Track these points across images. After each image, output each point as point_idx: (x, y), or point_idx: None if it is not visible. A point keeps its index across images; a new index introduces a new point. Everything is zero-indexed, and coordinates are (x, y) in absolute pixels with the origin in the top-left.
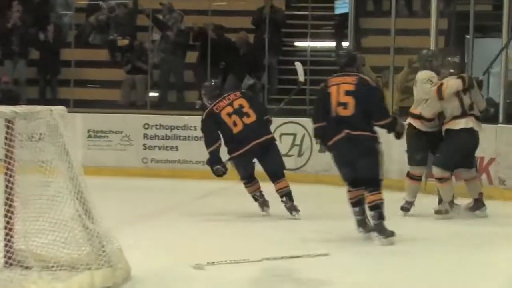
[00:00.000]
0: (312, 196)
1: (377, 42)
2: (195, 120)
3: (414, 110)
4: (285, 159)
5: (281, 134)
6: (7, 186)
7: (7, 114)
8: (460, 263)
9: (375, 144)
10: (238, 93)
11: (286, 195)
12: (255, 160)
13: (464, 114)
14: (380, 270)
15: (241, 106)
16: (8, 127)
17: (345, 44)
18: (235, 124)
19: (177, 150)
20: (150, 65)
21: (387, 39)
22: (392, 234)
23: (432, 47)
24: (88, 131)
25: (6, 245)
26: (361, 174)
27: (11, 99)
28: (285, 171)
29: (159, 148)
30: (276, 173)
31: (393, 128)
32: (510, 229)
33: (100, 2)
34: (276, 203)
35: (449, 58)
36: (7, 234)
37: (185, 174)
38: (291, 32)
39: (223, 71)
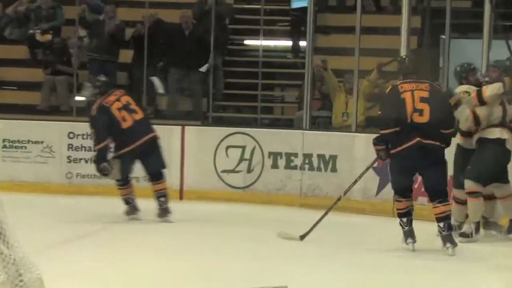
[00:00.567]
0: (262, 218)
1: (340, 42)
2: None
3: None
4: (232, 175)
5: (228, 147)
6: None
7: None
8: None
9: (444, 154)
10: (122, 90)
11: (164, 196)
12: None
13: (502, 124)
14: None
15: (128, 103)
16: None
17: (302, 43)
18: (124, 119)
19: None
20: (76, 65)
21: (351, 39)
22: (457, 244)
23: (403, 48)
24: (3, 140)
25: None
26: (431, 184)
27: None
28: (231, 190)
29: (86, 161)
30: (157, 173)
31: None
32: None
33: None
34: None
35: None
36: None
37: (116, 192)
38: (240, 28)
39: (163, 70)
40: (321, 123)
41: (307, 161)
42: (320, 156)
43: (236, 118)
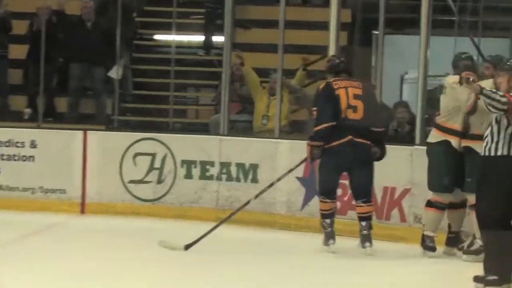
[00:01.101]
0: (173, 235)
1: (262, 37)
2: (24, 134)
3: (449, 124)
4: (141, 186)
5: (136, 154)
6: None
7: None
8: None
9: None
10: None
11: None
12: None
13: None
14: None
15: None
16: None
17: (219, 38)
18: None
19: None
20: None
21: (274, 33)
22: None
23: (332, 44)
24: None
25: None
26: (360, 184)
27: None
28: (140, 203)
29: None
30: None
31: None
32: None
33: None
34: None
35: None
36: None
37: (9, 205)
38: (150, 22)
39: (62, 67)
40: (240, 128)
41: (224, 171)
42: (239, 165)
43: (145, 122)
